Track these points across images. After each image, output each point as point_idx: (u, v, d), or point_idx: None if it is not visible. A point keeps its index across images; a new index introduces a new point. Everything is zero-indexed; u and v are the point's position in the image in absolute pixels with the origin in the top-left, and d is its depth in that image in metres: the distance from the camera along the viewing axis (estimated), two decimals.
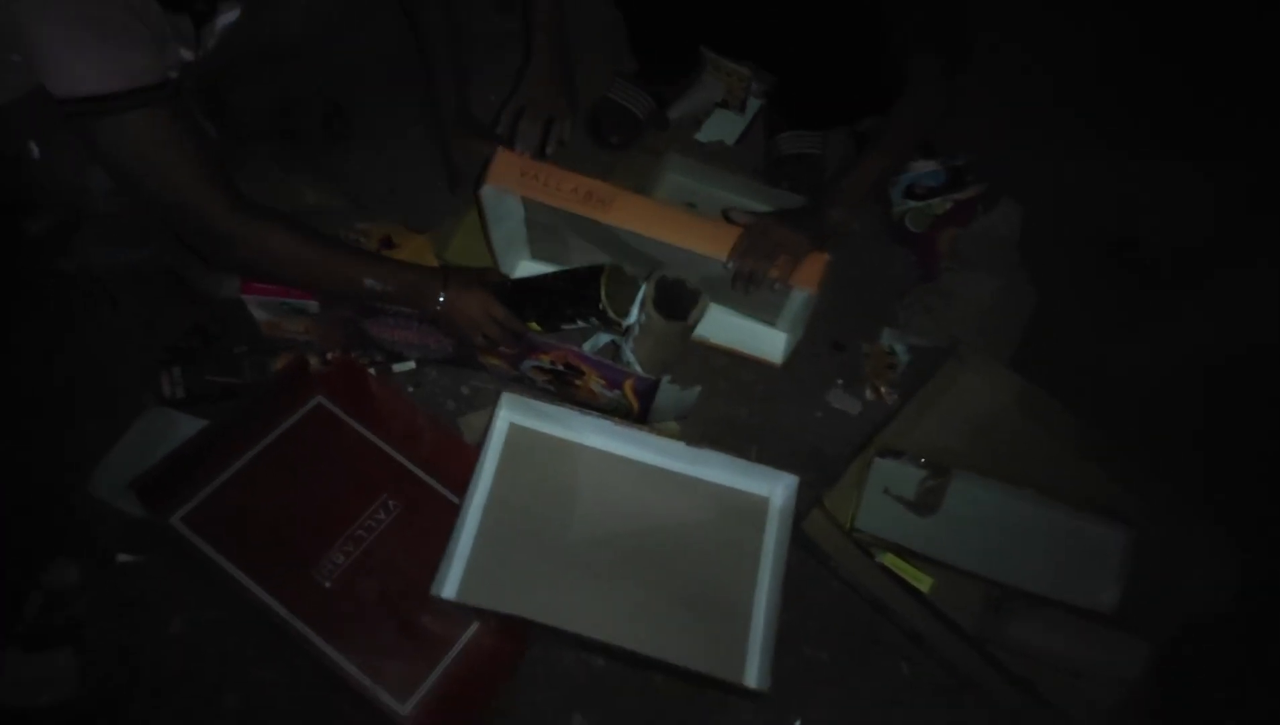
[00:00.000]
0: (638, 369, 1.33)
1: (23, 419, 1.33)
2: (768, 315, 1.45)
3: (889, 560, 1.30)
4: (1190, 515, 1.36)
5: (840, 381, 1.53)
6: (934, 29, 1.30)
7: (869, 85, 1.42)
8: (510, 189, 1.26)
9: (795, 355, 1.51)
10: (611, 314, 1.25)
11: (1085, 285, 1.68)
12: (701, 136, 1.74)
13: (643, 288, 1.30)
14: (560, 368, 1.34)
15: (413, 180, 1.57)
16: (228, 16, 1.22)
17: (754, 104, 1.76)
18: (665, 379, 1.29)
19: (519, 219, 1.37)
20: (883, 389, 1.52)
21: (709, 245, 1.25)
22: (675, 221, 1.26)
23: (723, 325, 1.47)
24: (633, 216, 1.25)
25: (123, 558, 1.24)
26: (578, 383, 1.37)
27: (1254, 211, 1.75)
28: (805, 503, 1.33)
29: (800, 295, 1.29)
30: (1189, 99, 1.86)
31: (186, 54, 1.18)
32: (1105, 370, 1.53)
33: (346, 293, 1.20)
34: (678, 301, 1.30)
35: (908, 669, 1.32)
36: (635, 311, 1.29)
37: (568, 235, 1.37)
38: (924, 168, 1.71)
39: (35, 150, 1.16)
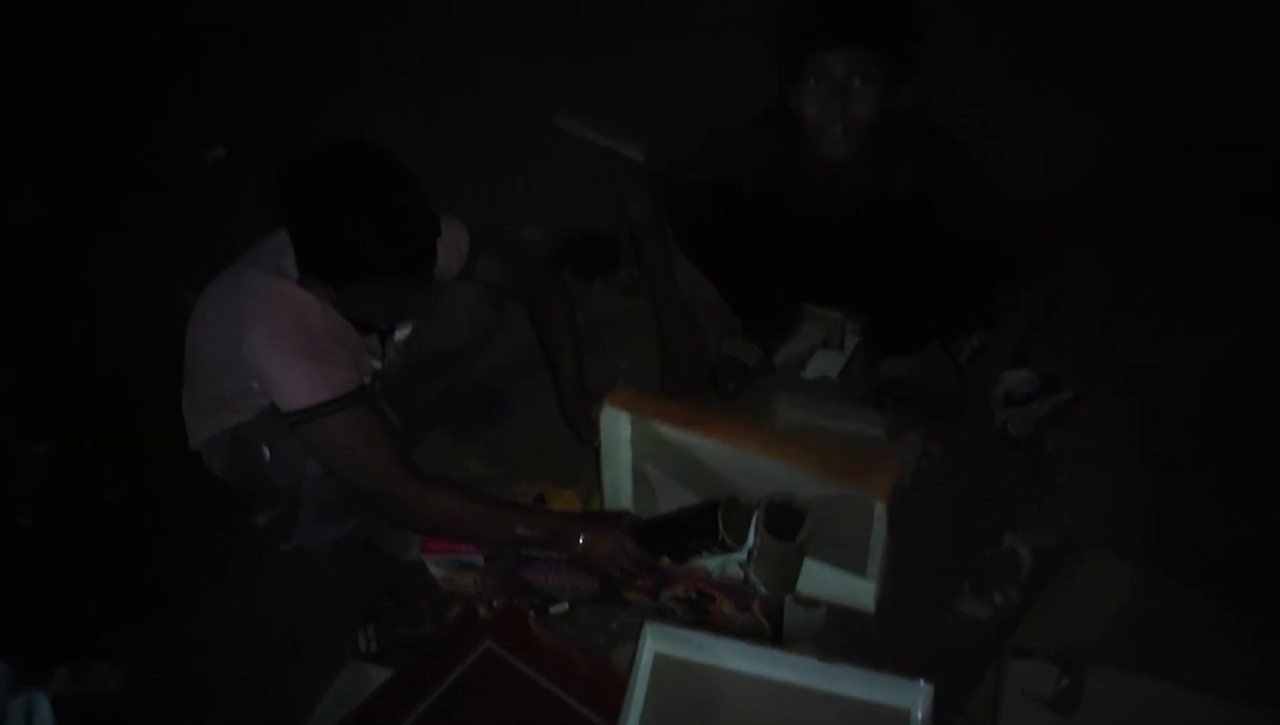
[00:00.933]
0: (762, 590, 1.44)
1: (252, 678, 1.57)
2: (855, 561, 1.50)
3: None
4: None
5: (967, 587, 1.57)
6: (1026, 231, 1.55)
7: (950, 310, 1.60)
8: (625, 409, 1.48)
9: (923, 565, 1.58)
10: (730, 541, 1.39)
11: (1205, 464, 1.69)
12: (807, 374, 1.92)
13: (755, 513, 1.43)
14: (693, 596, 1.48)
15: (559, 445, 1.83)
16: (402, 332, 1.57)
17: (851, 340, 1.95)
18: (789, 598, 1.40)
19: (625, 466, 1.57)
20: (1010, 592, 1.55)
21: (802, 461, 1.39)
22: (784, 448, 1.42)
23: (810, 578, 1.52)
24: (729, 433, 1.43)
25: None
26: (711, 608, 1.49)
27: None
28: (944, 711, 1.36)
29: (880, 533, 1.39)
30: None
31: (375, 363, 1.52)
32: (1234, 547, 1.52)
33: (503, 539, 1.43)
34: (787, 521, 1.40)
35: None
36: (751, 536, 1.43)
37: (666, 486, 1.55)
38: (1017, 377, 1.81)
39: (267, 453, 1.49)
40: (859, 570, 1.50)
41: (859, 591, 1.51)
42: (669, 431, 1.48)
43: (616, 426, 1.54)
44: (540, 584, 1.58)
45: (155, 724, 1.52)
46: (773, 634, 1.47)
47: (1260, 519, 1.60)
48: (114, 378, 2.06)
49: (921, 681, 1.33)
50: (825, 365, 1.93)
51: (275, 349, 1.33)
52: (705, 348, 1.73)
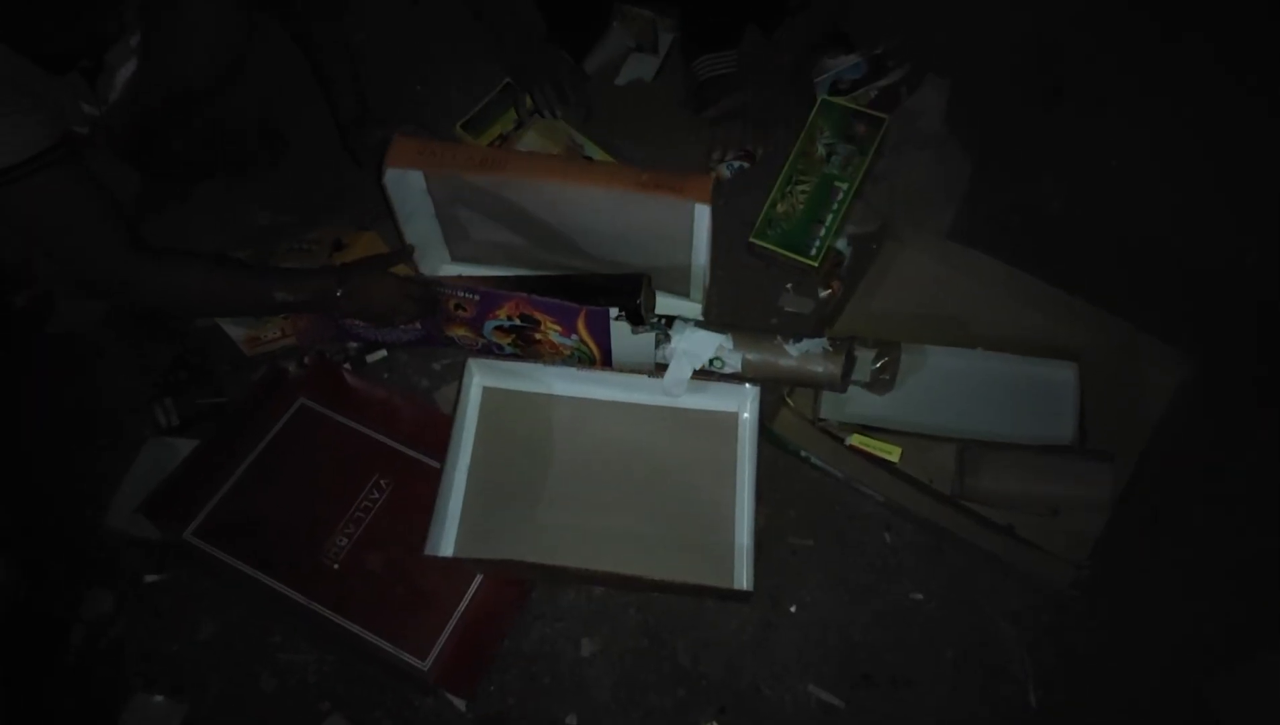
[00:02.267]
0: None
1: (36, 468, 1.44)
2: (678, 284, 1.47)
3: (856, 440, 1.35)
4: (1139, 341, 1.38)
5: (789, 285, 1.57)
6: None
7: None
8: (411, 167, 1.31)
9: (742, 270, 1.56)
10: (645, 313, 1.35)
11: (1016, 131, 1.70)
12: (620, 81, 1.78)
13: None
14: (518, 322, 1.40)
15: (356, 182, 1.64)
16: (127, 68, 1.30)
17: (665, 39, 1.80)
18: (613, 313, 1.34)
19: (429, 214, 1.42)
20: (834, 284, 1.55)
21: (610, 182, 1.28)
22: (574, 167, 1.31)
23: None
24: (529, 169, 1.29)
25: (149, 578, 1.35)
26: (538, 337, 1.43)
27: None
28: (772, 405, 1.39)
29: (702, 245, 1.34)
30: None
31: (90, 109, 1.26)
32: (1038, 208, 1.56)
33: (259, 310, 1.29)
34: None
35: (890, 538, 1.36)
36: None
37: (483, 227, 1.42)
38: (845, 63, 1.73)
39: None
40: (683, 292, 1.48)
41: (685, 312, 1.47)
42: (470, 178, 1.32)
43: (406, 183, 1.37)
44: (356, 329, 1.46)
45: None
46: (603, 359, 1.43)
47: (1060, 190, 1.64)
48: None
49: (748, 385, 1.34)
50: (639, 69, 1.80)
51: None
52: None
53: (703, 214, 1.27)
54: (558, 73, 1.65)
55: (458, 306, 1.38)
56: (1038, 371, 1.34)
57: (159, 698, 1.25)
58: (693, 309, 1.49)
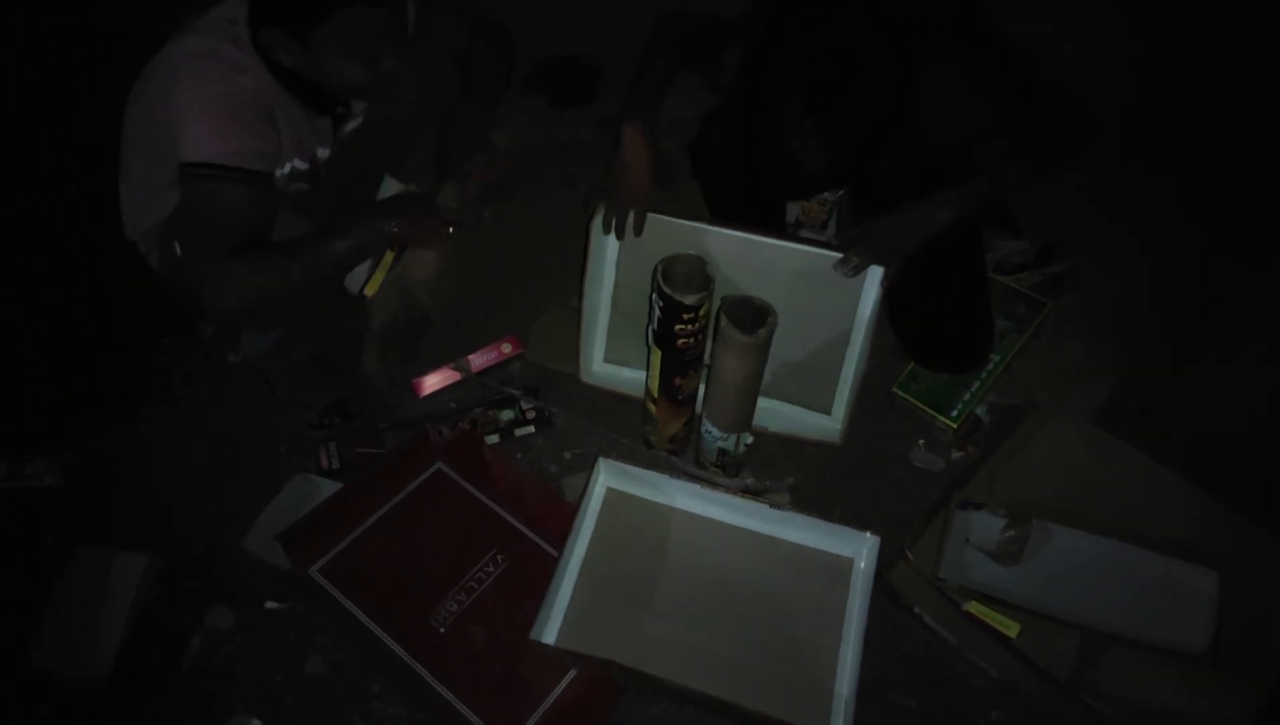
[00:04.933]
0: (714, 431, 1.44)
1: (196, 485, 1.55)
2: (822, 401, 1.51)
3: (974, 608, 1.31)
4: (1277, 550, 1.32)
5: (922, 441, 1.58)
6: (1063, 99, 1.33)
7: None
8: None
9: (880, 417, 1.58)
10: (665, 286, 1.30)
11: (1172, 345, 1.69)
12: None
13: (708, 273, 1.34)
14: None
15: None
16: (354, 122, 1.48)
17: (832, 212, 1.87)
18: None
19: (608, 292, 1.54)
20: (968, 448, 1.55)
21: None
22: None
23: (777, 416, 1.56)
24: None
25: (271, 604, 1.41)
26: None
27: None
28: (891, 555, 1.38)
29: (851, 368, 1.38)
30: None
31: (323, 152, 1.43)
32: (1192, 421, 1.53)
33: (324, 269, 1.36)
34: (748, 318, 1.33)
35: (997, 715, 1.31)
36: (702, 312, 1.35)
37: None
38: (1014, 246, 1.78)
39: (177, 247, 1.40)
40: (824, 409, 1.51)
41: (824, 429, 1.50)
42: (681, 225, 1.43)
43: (604, 248, 1.48)
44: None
45: (91, 524, 1.49)
46: None
47: (1222, 401, 1.61)
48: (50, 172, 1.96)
49: (868, 534, 1.35)
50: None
51: (194, 100, 1.25)
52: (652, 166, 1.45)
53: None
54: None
55: None
56: (1175, 574, 1.29)
57: (256, 722, 1.29)
58: (833, 425, 1.52)
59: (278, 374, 1.60)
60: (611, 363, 1.65)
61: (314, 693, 1.33)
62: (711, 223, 1.45)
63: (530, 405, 1.63)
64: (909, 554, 1.37)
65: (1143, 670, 1.23)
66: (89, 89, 1.92)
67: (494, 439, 1.59)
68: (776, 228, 1.69)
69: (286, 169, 1.41)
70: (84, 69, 2.13)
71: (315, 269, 1.34)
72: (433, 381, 1.66)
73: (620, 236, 1.44)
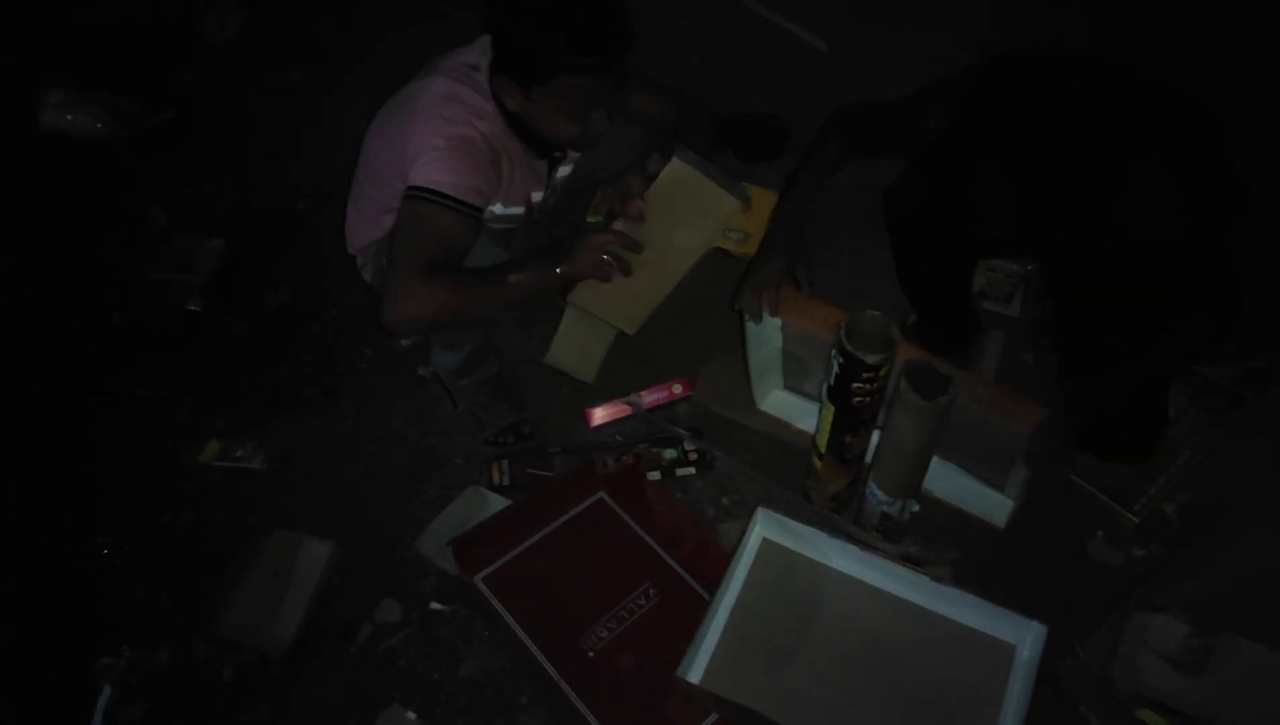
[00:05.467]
0: (880, 495, 1.42)
1: (380, 485, 1.67)
2: (996, 477, 1.47)
3: (1148, 716, 1.23)
4: None
5: (1101, 533, 1.50)
6: (1203, 292, 1.32)
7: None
8: (774, 315, 1.44)
9: (1056, 504, 1.52)
10: (849, 346, 1.29)
11: None
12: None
13: (891, 332, 1.33)
14: None
15: None
16: (565, 169, 1.58)
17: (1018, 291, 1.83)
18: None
19: (776, 347, 1.54)
20: (1150, 546, 1.46)
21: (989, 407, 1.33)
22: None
23: (950, 482, 1.53)
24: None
25: (435, 606, 1.49)
26: None
27: None
28: (1057, 648, 1.31)
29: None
30: None
31: (536, 195, 1.53)
32: None
33: (501, 302, 1.43)
34: (928, 385, 1.30)
35: None
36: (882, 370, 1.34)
37: (819, 367, 1.52)
38: None
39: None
40: (998, 486, 1.47)
41: (994, 505, 1.46)
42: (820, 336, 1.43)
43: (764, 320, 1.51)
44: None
45: (287, 509, 1.63)
46: None
47: None
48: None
49: (1035, 622, 1.29)
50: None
51: (434, 135, 1.38)
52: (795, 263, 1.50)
53: (1021, 441, 1.29)
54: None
55: None
56: None
57: (411, 715, 1.36)
58: (1004, 504, 1.48)
59: (462, 391, 1.71)
60: (790, 390, 1.67)
61: (467, 695, 1.39)
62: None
63: (693, 447, 1.66)
64: (1079, 649, 1.30)
65: None
66: None
67: (655, 475, 1.63)
68: (963, 288, 1.69)
69: (498, 209, 1.53)
70: None
71: (490, 300, 1.43)
72: (603, 413, 1.72)
73: (757, 320, 1.47)
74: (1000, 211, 1.19)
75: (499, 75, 1.39)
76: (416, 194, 1.38)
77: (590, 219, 1.57)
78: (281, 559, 1.52)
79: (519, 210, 1.58)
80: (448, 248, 1.40)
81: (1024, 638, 1.32)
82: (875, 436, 1.47)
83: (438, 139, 1.38)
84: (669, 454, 1.66)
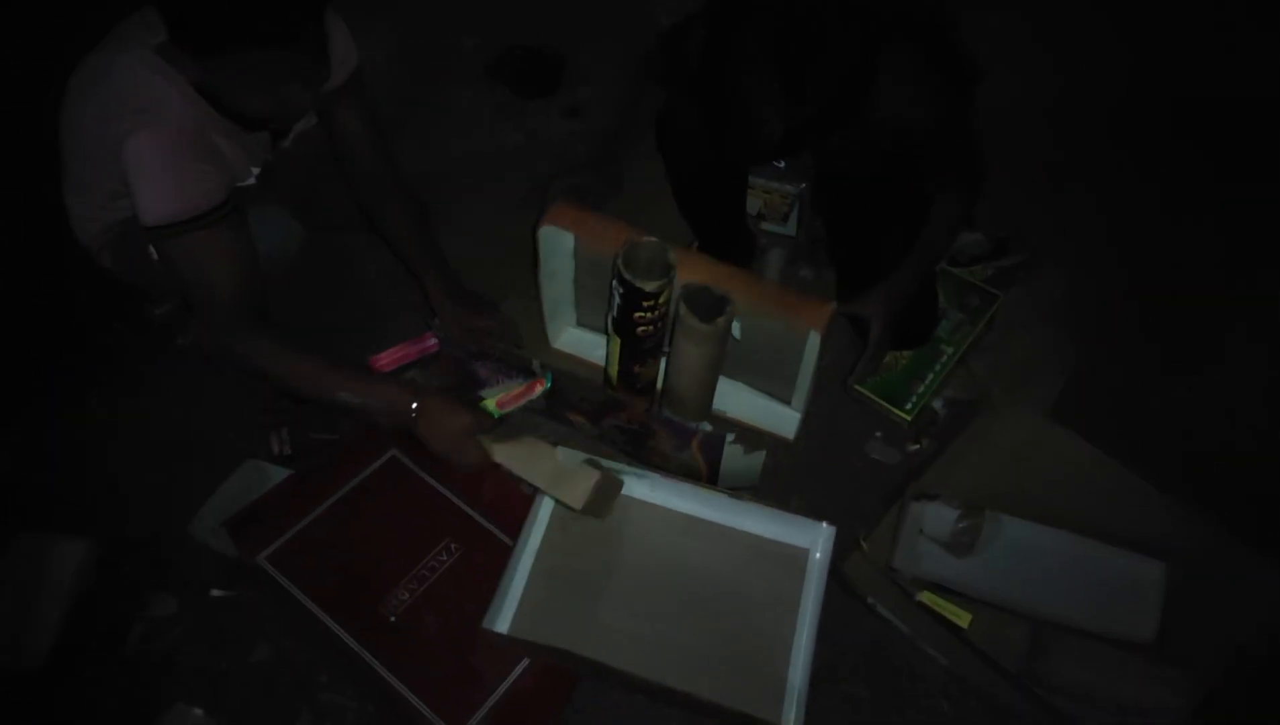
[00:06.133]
0: (670, 415, 1.42)
1: (142, 471, 1.51)
2: (782, 391, 1.52)
3: (927, 598, 1.33)
4: (1234, 551, 1.35)
5: (879, 433, 1.59)
6: (956, 170, 1.41)
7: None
8: (565, 228, 1.40)
9: (839, 409, 1.58)
10: (626, 273, 1.28)
11: (1125, 339, 1.72)
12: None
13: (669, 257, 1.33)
14: (635, 427, 1.45)
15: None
16: (301, 124, 1.45)
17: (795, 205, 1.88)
18: (729, 438, 1.37)
19: (569, 276, 1.50)
20: (923, 442, 1.57)
21: (776, 307, 1.35)
22: (729, 278, 1.36)
23: (738, 400, 1.56)
24: (691, 270, 1.35)
25: (216, 592, 1.38)
26: (650, 443, 1.47)
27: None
28: (845, 545, 1.38)
29: (809, 365, 1.38)
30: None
31: (254, 169, 1.41)
32: (1144, 416, 1.55)
33: (322, 400, 1.31)
34: (707, 307, 1.33)
35: (948, 706, 1.32)
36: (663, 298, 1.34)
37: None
38: (968, 239, 1.80)
39: (154, 253, 1.38)
40: (785, 399, 1.50)
41: (782, 420, 1.50)
42: (610, 254, 1.41)
43: (556, 243, 1.47)
44: (489, 380, 1.53)
45: (32, 510, 1.46)
46: (708, 477, 1.46)
47: (1170, 394, 1.64)
48: None
49: (824, 524, 1.35)
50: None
51: (145, 159, 1.22)
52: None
53: (814, 341, 1.32)
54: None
55: (578, 411, 1.44)
56: (1123, 564, 1.31)
57: (198, 711, 1.26)
58: (791, 417, 1.52)
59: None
60: (584, 327, 1.65)
61: (260, 682, 1.31)
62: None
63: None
64: (863, 544, 1.38)
65: (1091, 660, 1.25)
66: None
67: None
68: (737, 207, 1.71)
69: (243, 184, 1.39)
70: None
71: (321, 397, 1.30)
72: (390, 358, 1.60)
73: None
74: (774, 112, 1.20)
75: (175, 48, 1.20)
76: (161, 233, 1.23)
77: (486, 406, 1.45)
78: (28, 565, 1.36)
79: (250, 181, 1.43)
80: (234, 260, 1.27)
81: (815, 540, 1.37)
82: (663, 364, 1.48)
83: (139, 160, 1.21)
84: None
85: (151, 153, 1.21)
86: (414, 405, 1.28)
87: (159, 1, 1.17)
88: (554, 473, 1.31)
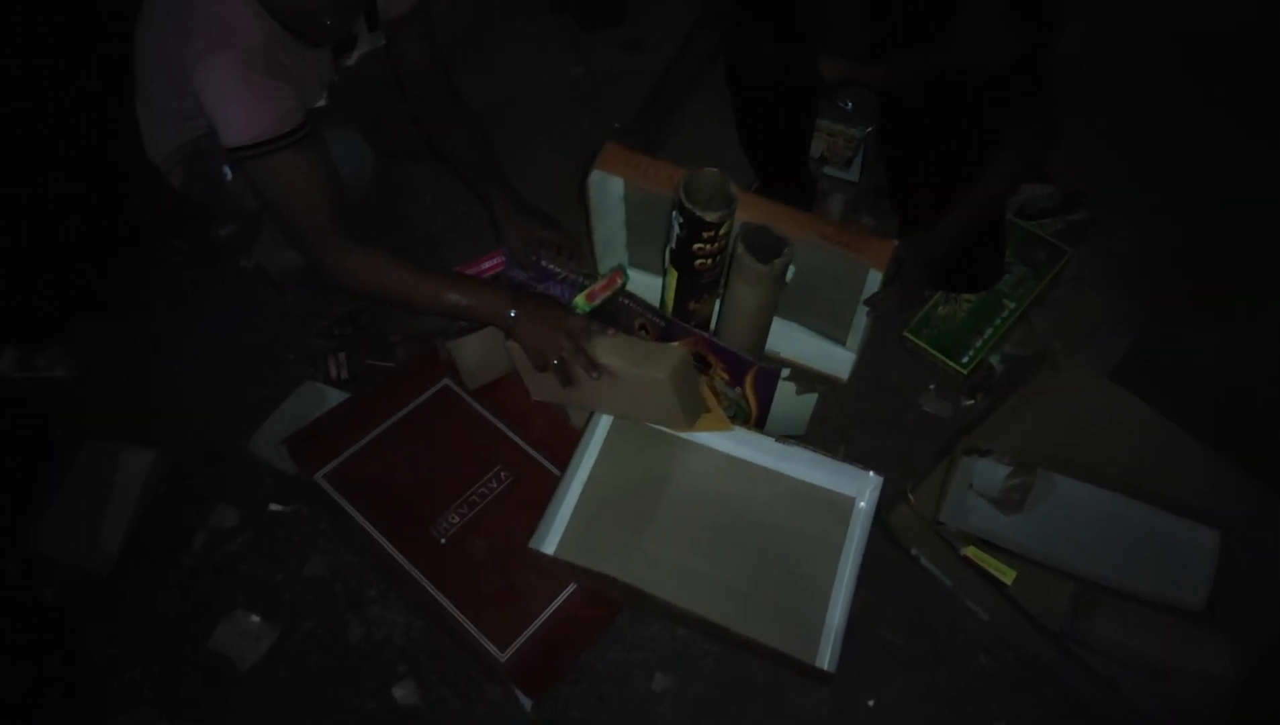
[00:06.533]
0: (722, 342, 1.41)
1: (205, 387, 1.56)
2: (838, 331, 1.50)
3: (971, 552, 1.32)
4: None
5: (933, 386, 1.57)
6: (1027, 117, 1.35)
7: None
8: (615, 173, 1.38)
9: (891, 361, 1.56)
10: (688, 203, 1.27)
11: (1192, 301, 1.67)
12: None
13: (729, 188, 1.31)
14: (691, 358, 1.44)
15: None
16: (363, 47, 1.45)
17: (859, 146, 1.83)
18: (784, 373, 1.36)
19: (620, 219, 1.50)
20: (978, 397, 1.54)
21: (799, 228, 1.31)
22: (791, 217, 1.33)
23: (792, 339, 1.54)
24: (751, 210, 1.33)
25: (274, 507, 1.43)
26: (705, 375, 1.46)
27: None
28: (891, 497, 1.38)
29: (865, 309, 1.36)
30: None
31: (321, 91, 1.40)
32: (1207, 383, 1.51)
33: (433, 308, 1.32)
34: (765, 248, 1.30)
35: (986, 660, 1.32)
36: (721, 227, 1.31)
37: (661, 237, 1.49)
38: (1038, 191, 1.74)
39: (228, 173, 1.40)
40: (840, 340, 1.49)
41: (836, 360, 1.49)
42: (662, 193, 1.39)
43: (606, 187, 1.45)
44: (559, 297, 1.51)
45: (100, 419, 1.51)
46: (758, 418, 1.45)
47: (1240, 360, 1.59)
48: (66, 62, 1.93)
49: (871, 473, 1.34)
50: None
51: (220, 82, 1.23)
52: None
53: (875, 280, 1.31)
54: None
55: (642, 327, 1.44)
56: (1177, 531, 1.29)
57: (255, 618, 1.32)
58: (846, 358, 1.51)
59: (290, 281, 1.60)
60: (636, 267, 1.63)
61: (313, 593, 1.36)
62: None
63: None
64: (910, 496, 1.37)
65: (1134, 625, 1.23)
66: None
67: None
68: (803, 141, 1.67)
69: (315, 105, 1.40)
70: None
71: (433, 304, 1.32)
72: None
73: None
74: (844, 25, 1.20)
75: None
76: (240, 155, 1.24)
77: (577, 304, 1.44)
78: (97, 471, 1.41)
79: (321, 103, 1.44)
80: (318, 182, 1.27)
81: (862, 489, 1.37)
82: (718, 305, 1.47)
83: (222, 81, 1.22)
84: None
85: (230, 74, 1.22)
86: (513, 312, 1.30)
87: None
88: (646, 353, 1.32)
